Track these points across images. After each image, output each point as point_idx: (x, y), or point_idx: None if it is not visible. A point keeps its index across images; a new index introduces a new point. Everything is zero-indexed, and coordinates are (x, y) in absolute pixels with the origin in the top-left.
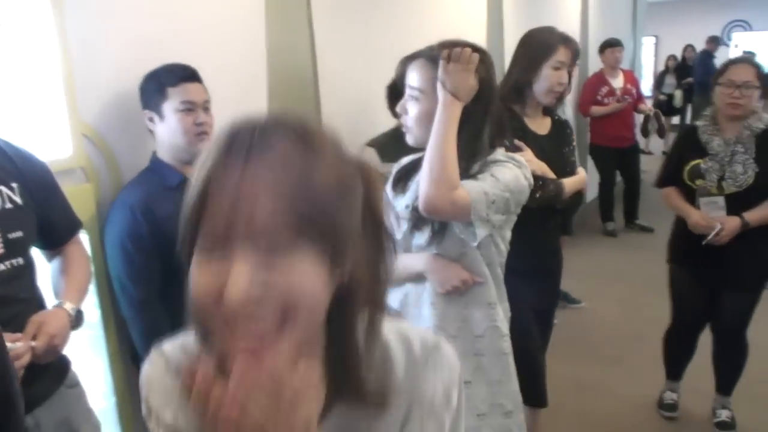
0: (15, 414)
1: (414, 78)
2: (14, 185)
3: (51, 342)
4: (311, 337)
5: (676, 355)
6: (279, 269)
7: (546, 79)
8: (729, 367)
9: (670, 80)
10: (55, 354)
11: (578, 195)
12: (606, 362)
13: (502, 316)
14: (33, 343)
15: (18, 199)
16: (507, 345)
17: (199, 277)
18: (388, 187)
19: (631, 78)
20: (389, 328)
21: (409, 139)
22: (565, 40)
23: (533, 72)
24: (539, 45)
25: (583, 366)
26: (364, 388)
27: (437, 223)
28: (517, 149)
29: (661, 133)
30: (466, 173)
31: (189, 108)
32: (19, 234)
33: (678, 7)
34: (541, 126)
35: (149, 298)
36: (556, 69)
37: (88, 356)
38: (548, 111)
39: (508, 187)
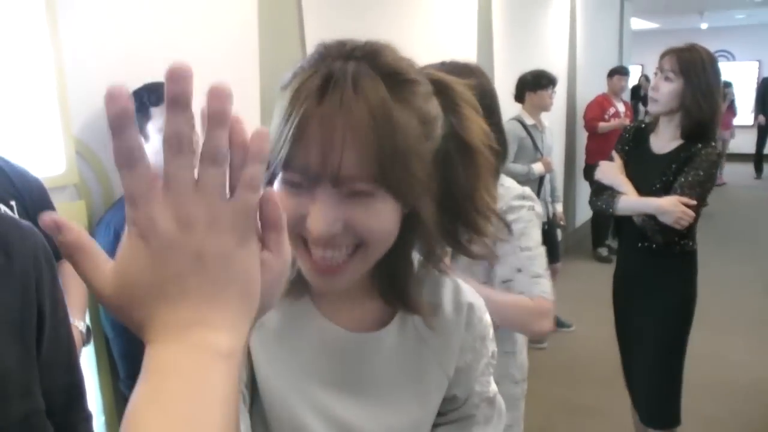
0: (82, 402)
1: None
2: (12, 203)
3: None
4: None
5: None
6: (356, 210)
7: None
8: None
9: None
10: None
11: (658, 226)
12: (597, 385)
13: (520, 362)
14: None
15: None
16: (520, 391)
17: (283, 200)
18: None
19: (629, 106)
20: (450, 279)
21: None
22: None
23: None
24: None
25: (575, 389)
26: (413, 301)
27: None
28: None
29: None
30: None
31: None
32: None
33: (663, 36)
34: (665, 145)
35: None
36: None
37: None
38: (695, 134)
39: (539, 243)
